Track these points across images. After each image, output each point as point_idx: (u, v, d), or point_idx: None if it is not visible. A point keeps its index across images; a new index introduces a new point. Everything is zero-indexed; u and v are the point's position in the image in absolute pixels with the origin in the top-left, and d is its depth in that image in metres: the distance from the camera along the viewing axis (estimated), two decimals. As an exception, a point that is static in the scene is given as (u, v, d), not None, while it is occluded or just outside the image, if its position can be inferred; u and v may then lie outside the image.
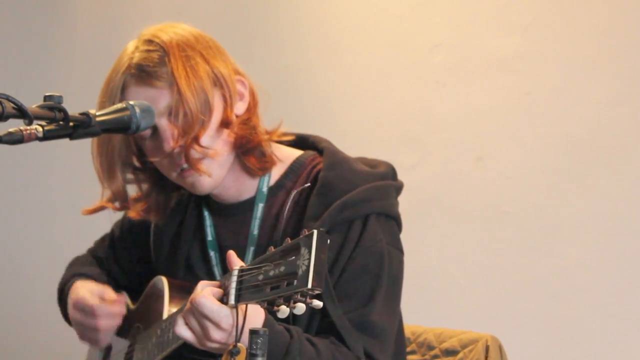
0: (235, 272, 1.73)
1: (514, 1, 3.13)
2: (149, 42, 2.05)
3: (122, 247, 2.38)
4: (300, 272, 1.56)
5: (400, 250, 2.10)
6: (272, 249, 1.67)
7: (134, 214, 2.20)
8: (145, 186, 2.19)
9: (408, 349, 2.37)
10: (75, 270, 2.38)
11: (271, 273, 1.63)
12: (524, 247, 3.06)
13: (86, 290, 2.22)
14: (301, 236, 1.60)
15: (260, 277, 1.65)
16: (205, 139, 2.01)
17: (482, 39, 3.17)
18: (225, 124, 2.04)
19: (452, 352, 2.32)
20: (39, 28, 4.26)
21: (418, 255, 3.15)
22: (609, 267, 2.92)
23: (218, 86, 2.04)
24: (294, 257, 1.59)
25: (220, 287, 1.78)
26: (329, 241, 1.59)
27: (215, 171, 2.06)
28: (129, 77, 2.03)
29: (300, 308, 1.60)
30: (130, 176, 2.16)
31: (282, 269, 1.61)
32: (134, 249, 2.35)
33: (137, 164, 2.16)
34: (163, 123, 2.02)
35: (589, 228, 2.96)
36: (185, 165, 2.04)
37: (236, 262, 1.77)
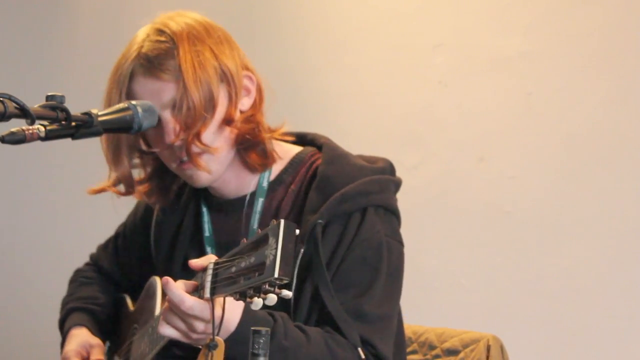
0: (211, 266, 1.74)
1: (516, 1, 3.12)
2: (160, 31, 2.04)
3: (125, 251, 2.40)
4: (267, 261, 1.56)
5: (399, 242, 2.10)
6: (244, 240, 1.68)
7: (137, 195, 2.21)
8: (149, 169, 2.19)
9: (409, 349, 2.37)
10: (75, 297, 2.39)
11: (242, 264, 1.63)
12: (526, 247, 3.05)
13: (75, 345, 2.25)
14: (270, 226, 1.60)
15: (233, 269, 1.65)
16: (206, 135, 2.02)
17: (484, 39, 3.17)
18: (227, 121, 2.04)
19: (453, 352, 2.32)
20: (41, 28, 4.26)
21: (420, 255, 3.16)
22: (611, 267, 2.92)
23: (225, 82, 2.04)
24: (263, 248, 1.59)
25: (196, 284, 1.79)
26: (297, 231, 1.59)
27: (214, 167, 2.07)
28: (137, 66, 2.03)
29: (272, 299, 1.60)
30: (136, 160, 2.16)
31: (252, 259, 1.61)
32: (135, 251, 2.36)
33: (144, 147, 2.16)
34: (166, 115, 2.02)
35: (591, 228, 2.95)
36: (185, 158, 2.05)
37: (208, 258, 1.78)
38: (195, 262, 1.80)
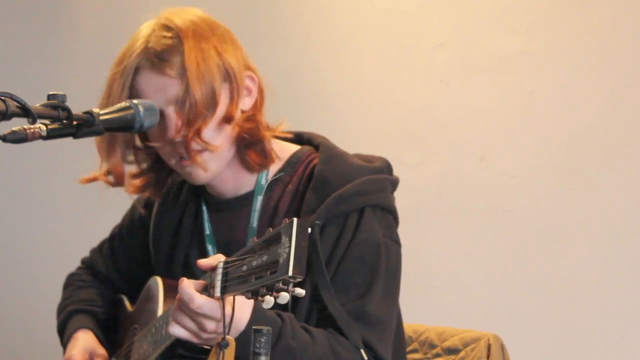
0: (220, 265, 1.73)
1: (517, 0, 3.13)
2: (166, 27, 2.05)
3: (121, 252, 2.40)
4: (281, 260, 1.56)
5: (397, 242, 2.10)
6: (255, 239, 1.68)
7: (131, 189, 2.20)
8: (145, 165, 2.19)
9: (410, 348, 2.37)
10: (74, 300, 2.39)
11: (254, 263, 1.63)
12: (527, 246, 3.06)
13: (80, 349, 2.25)
14: (282, 225, 1.60)
15: (244, 267, 1.65)
16: (207, 133, 2.02)
17: (486, 38, 3.17)
18: (228, 119, 2.04)
19: (454, 351, 2.33)
20: (42, 27, 4.27)
21: (420, 254, 3.16)
22: (612, 266, 2.92)
23: (227, 81, 2.04)
24: (275, 246, 1.59)
25: (205, 283, 1.78)
26: (309, 230, 1.59)
27: (213, 165, 2.07)
28: (143, 61, 2.03)
29: (284, 297, 1.60)
30: (130, 157, 2.16)
31: (265, 258, 1.61)
32: (133, 251, 2.36)
33: (139, 143, 2.16)
34: (170, 111, 2.03)
35: (592, 227, 2.96)
36: (185, 155, 2.05)
37: (217, 257, 1.78)
38: (204, 262, 1.79)
